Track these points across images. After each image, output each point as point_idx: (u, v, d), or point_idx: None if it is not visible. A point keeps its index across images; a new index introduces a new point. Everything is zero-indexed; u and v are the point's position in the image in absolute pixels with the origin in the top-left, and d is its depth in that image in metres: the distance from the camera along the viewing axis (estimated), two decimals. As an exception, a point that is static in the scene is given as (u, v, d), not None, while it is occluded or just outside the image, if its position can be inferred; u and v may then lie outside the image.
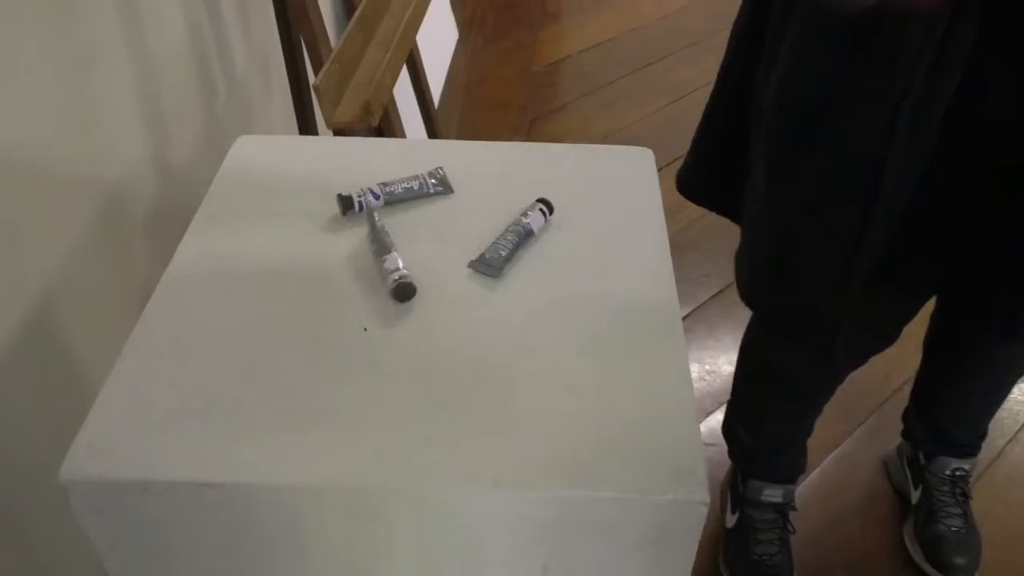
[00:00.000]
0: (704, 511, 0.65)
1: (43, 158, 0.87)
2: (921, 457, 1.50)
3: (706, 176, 1.14)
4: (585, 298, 0.80)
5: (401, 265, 0.80)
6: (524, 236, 0.85)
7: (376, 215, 0.87)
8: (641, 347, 0.75)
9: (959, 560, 1.41)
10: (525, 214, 0.87)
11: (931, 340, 1.38)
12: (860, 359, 1.23)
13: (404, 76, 1.67)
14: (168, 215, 1.10)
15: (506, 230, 0.86)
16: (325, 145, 1.03)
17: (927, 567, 1.44)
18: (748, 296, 1.08)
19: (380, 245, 0.83)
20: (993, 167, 0.92)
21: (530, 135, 2.54)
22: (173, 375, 0.71)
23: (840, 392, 1.35)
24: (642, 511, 0.65)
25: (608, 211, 0.91)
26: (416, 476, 0.64)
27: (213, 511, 0.66)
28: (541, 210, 0.88)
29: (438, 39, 2.62)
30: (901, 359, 1.44)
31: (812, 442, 1.50)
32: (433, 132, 1.81)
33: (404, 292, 0.79)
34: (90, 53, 0.94)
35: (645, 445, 0.67)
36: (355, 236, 0.86)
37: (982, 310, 1.16)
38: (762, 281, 0.95)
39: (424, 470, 0.65)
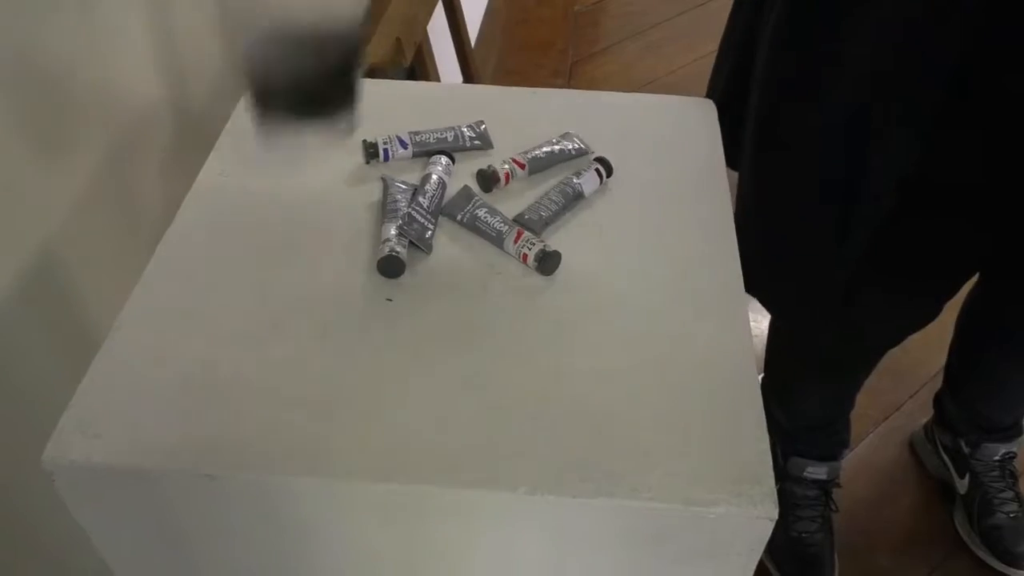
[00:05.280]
0: (770, 527, 0.57)
1: (48, 92, 0.79)
2: (964, 446, 1.43)
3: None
4: (636, 271, 0.71)
5: (393, 234, 0.70)
6: (573, 198, 0.76)
7: (389, 175, 0.77)
8: (699, 331, 0.66)
9: None
10: (578, 173, 0.77)
11: (968, 321, 1.29)
12: (894, 340, 1.17)
13: (439, 13, 1.56)
14: (187, 157, 1.02)
15: (552, 189, 0.76)
16: (351, 87, 0.94)
17: (990, 559, 1.39)
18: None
19: (386, 207, 0.74)
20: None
21: (571, 78, 2.41)
22: (173, 347, 0.64)
23: (890, 360, 1.27)
24: (694, 524, 0.57)
25: (666, 171, 0.81)
26: (443, 476, 0.56)
27: (214, 503, 0.59)
28: (597, 170, 0.78)
29: (476, -27, 2.48)
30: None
31: (859, 413, 1.42)
32: (469, 73, 1.70)
33: (388, 267, 0.69)
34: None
35: (701, 446, 0.59)
36: (378, 188, 0.77)
37: None
38: (754, 264, 0.84)
39: (452, 470, 0.57)
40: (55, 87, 0.80)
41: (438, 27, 1.56)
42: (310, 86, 0.54)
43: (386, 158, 0.80)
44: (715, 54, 1.06)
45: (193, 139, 1.06)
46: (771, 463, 0.58)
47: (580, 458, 0.57)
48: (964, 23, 0.74)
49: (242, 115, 0.86)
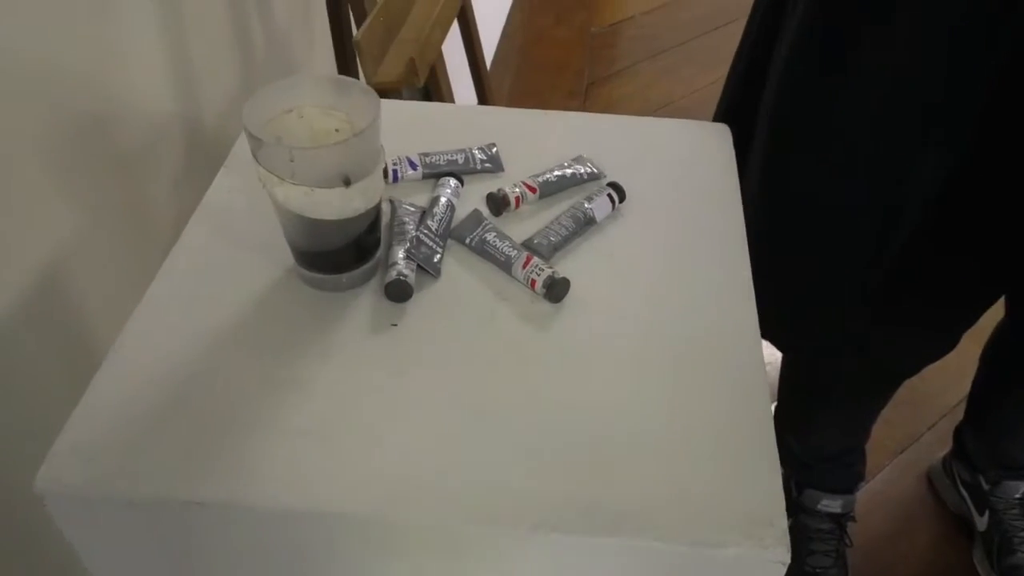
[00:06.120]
0: (783, 571, 0.55)
1: (59, 108, 0.78)
2: (983, 482, 1.39)
3: None
4: (647, 300, 0.69)
5: (401, 258, 0.69)
6: (584, 224, 0.74)
7: (395, 197, 0.76)
8: (711, 363, 0.64)
9: None
10: (589, 198, 0.76)
11: (994, 355, 1.26)
12: (912, 370, 1.14)
13: (454, 32, 1.56)
14: (197, 173, 1.01)
15: (562, 214, 0.75)
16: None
17: (1010, 600, 1.34)
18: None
19: (393, 230, 0.73)
20: None
21: (587, 99, 2.41)
22: (173, 369, 0.62)
23: (907, 389, 1.24)
24: (702, 566, 0.55)
25: (681, 197, 0.79)
26: (441, 510, 0.55)
27: (208, 531, 0.57)
28: (609, 195, 0.76)
29: (494, -6, 2.49)
30: (977, 357, 1.32)
31: (875, 444, 1.40)
32: (483, 94, 1.70)
33: (395, 292, 0.68)
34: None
35: (712, 484, 0.57)
36: (386, 211, 0.76)
37: None
38: (767, 314, 0.75)
39: (451, 503, 0.55)
40: (69, 100, 0.80)
41: (454, 48, 1.56)
42: (335, 253, 0.68)
43: (395, 179, 0.79)
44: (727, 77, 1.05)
45: (206, 155, 1.06)
46: (784, 503, 0.56)
47: (585, 494, 0.55)
48: (1002, 37, 0.72)
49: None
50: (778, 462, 0.58)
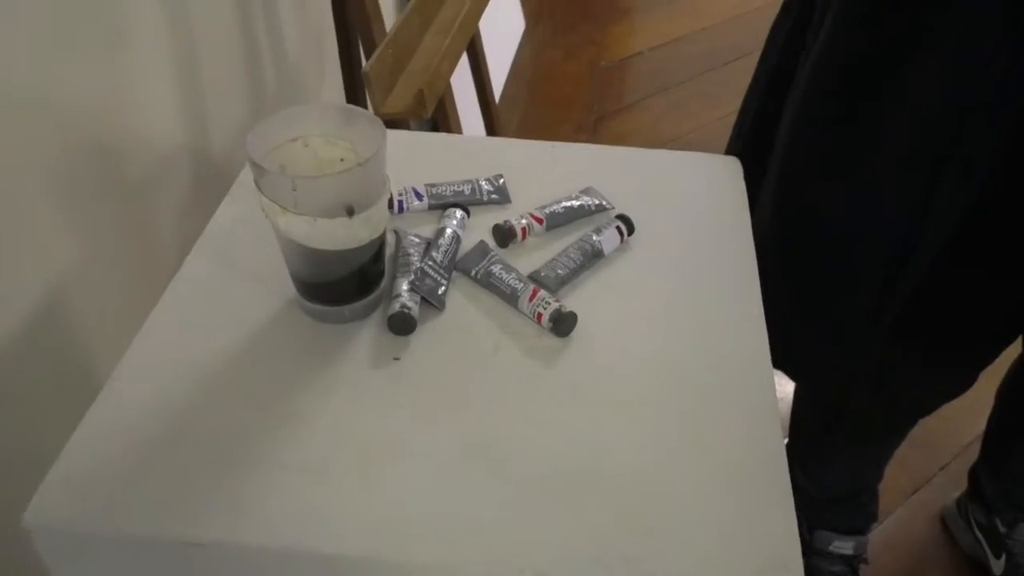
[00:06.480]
0: (798, 620, 0.53)
1: (68, 135, 0.78)
2: (1000, 524, 1.36)
3: None
4: (656, 335, 0.68)
5: (405, 290, 0.68)
6: (591, 256, 0.73)
7: (401, 228, 0.75)
8: (722, 399, 0.63)
9: None
10: (598, 230, 0.75)
11: (1011, 393, 1.23)
12: (927, 408, 1.12)
13: (464, 67, 1.57)
14: (203, 202, 1.01)
15: (570, 246, 0.74)
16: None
17: (1026, 649, 1.30)
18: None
19: (398, 261, 0.72)
20: None
21: (595, 134, 2.41)
22: (170, 402, 0.61)
23: (921, 429, 1.21)
24: (718, 612, 0.52)
25: (690, 230, 0.78)
26: (440, 553, 0.53)
27: (203, 569, 0.55)
28: (618, 228, 0.75)
29: (503, 29, 2.51)
30: (992, 395, 1.30)
31: (887, 484, 1.36)
32: (492, 127, 1.70)
33: (398, 324, 0.66)
34: (127, 24, 0.85)
35: (724, 527, 0.55)
36: (390, 242, 0.75)
37: None
38: (777, 333, 0.72)
39: (451, 546, 0.53)
40: (77, 129, 0.80)
41: (463, 81, 1.56)
42: (338, 284, 0.66)
43: (400, 210, 0.78)
44: (736, 112, 1.04)
45: (213, 184, 1.06)
46: (800, 546, 0.54)
47: (592, 538, 0.53)
48: None
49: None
50: (792, 502, 0.56)
